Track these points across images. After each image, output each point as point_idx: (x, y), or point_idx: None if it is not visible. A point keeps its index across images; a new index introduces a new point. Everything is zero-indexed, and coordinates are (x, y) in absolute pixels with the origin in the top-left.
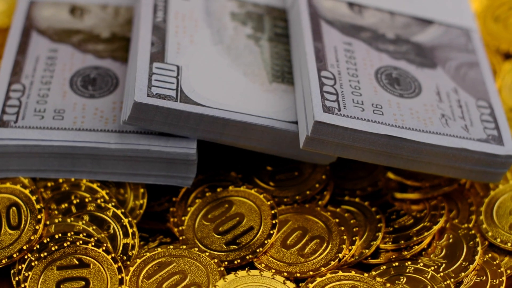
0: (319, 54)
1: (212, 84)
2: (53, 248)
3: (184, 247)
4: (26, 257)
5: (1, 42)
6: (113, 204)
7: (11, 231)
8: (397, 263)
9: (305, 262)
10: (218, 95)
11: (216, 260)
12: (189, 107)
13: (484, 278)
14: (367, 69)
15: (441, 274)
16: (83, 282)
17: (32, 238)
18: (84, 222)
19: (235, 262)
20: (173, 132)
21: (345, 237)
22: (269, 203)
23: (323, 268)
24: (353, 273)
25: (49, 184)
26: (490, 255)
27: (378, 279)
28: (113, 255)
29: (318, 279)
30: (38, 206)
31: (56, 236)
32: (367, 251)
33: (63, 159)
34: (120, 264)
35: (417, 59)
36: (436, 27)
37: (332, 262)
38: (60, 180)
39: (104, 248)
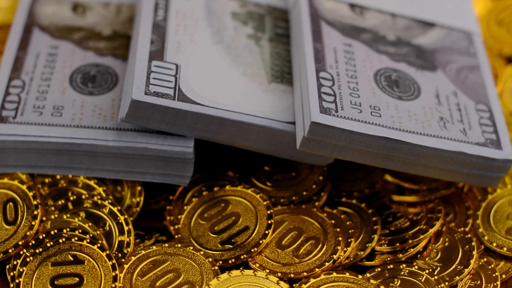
0: (318, 55)
1: (211, 83)
2: (48, 244)
3: (179, 245)
4: (21, 252)
5: (4, 38)
6: (109, 201)
7: (7, 226)
8: (391, 266)
9: (299, 263)
10: (216, 94)
11: (210, 259)
12: (186, 105)
13: (479, 282)
14: (367, 71)
15: (436, 277)
16: (77, 279)
17: (28, 233)
18: (80, 218)
19: (230, 261)
20: (170, 131)
21: (340, 238)
22: (265, 203)
23: (317, 269)
24: (347, 274)
25: (46, 180)
26: (485, 259)
27: (372, 281)
28: (107, 252)
29: (312, 280)
30: (34, 202)
31: (52, 232)
32: (362, 253)
33: (60, 156)
34: (114, 261)
35: (418, 61)
36: (438, 30)
37: (327, 264)
38: (58, 177)
39: (99, 245)
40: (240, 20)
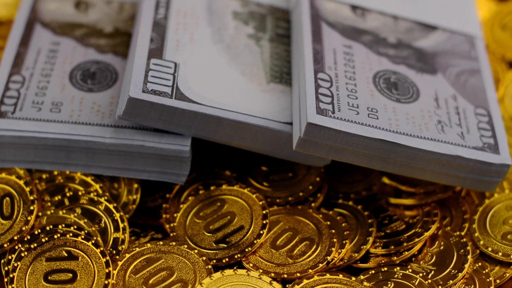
0: (318, 56)
1: (209, 82)
2: (43, 240)
3: (174, 243)
4: (16, 247)
5: (8, 34)
6: (105, 198)
7: (3, 221)
8: (385, 268)
9: (293, 264)
10: (214, 93)
11: (204, 258)
12: (183, 104)
13: (472, 287)
14: (366, 73)
15: (429, 281)
16: (71, 275)
17: (23, 228)
18: (76, 215)
19: (224, 260)
20: (167, 129)
21: (335, 240)
22: (261, 203)
23: (310, 270)
24: (340, 276)
25: (44, 176)
26: (480, 264)
27: (365, 283)
28: (101, 248)
29: (305, 281)
30: (31, 198)
31: (47, 228)
32: (356, 254)
33: (58, 152)
34: (108, 258)
35: (418, 64)
36: (440, 33)
37: (320, 265)
38: (55, 173)
39: (93, 241)
40: (241, 19)
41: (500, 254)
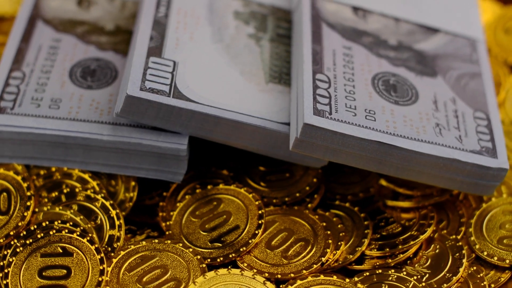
0: (317, 56)
1: (207, 81)
2: (39, 236)
3: (169, 241)
4: (12, 243)
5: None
6: (102, 195)
7: (0, 216)
8: (380, 271)
9: (287, 264)
10: (212, 92)
11: (199, 257)
12: (181, 103)
13: None
14: (365, 74)
15: (423, 284)
16: (65, 271)
17: (19, 224)
18: (72, 211)
19: (218, 260)
20: (164, 127)
21: (330, 241)
22: (257, 203)
23: (304, 271)
24: (334, 277)
25: (41, 172)
26: (474, 268)
27: (359, 285)
28: (96, 245)
29: (299, 282)
30: (28, 193)
31: (43, 224)
32: (351, 256)
33: (56, 148)
34: (102, 255)
35: (418, 67)
36: (441, 36)
37: (315, 266)
38: (53, 169)
39: (88, 238)
40: (242, 19)
41: (495, 258)
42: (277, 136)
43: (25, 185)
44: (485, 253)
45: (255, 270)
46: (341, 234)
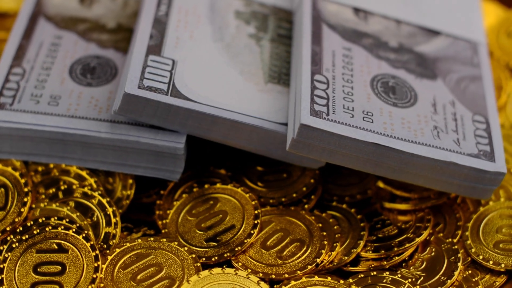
0: (316, 57)
1: (206, 80)
2: (35, 232)
3: (164, 240)
4: (8, 238)
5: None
6: (99, 192)
7: None
8: (375, 273)
9: (282, 265)
10: (210, 91)
11: (193, 256)
12: (178, 101)
13: None
14: (364, 76)
15: (418, 286)
16: (60, 267)
17: (16, 220)
18: (68, 208)
19: (213, 259)
20: (162, 126)
21: (325, 242)
22: (253, 203)
23: (299, 272)
24: (329, 279)
25: (39, 169)
26: (470, 271)
27: (353, 287)
28: (91, 242)
29: (293, 282)
30: (25, 189)
31: (40, 220)
32: (346, 258)
33: (54, 145)
34: (97, 252)
35: (418, 69)
36: (443, 38)
37: (309, 266)
38: (51, 165)
39: (84, 235)
40: (243, 19)
41: (491, 262)
42: (275, 136)
43: (22, 181)
44: (481, 257)
45: (249, 270)
46: (336, 236)
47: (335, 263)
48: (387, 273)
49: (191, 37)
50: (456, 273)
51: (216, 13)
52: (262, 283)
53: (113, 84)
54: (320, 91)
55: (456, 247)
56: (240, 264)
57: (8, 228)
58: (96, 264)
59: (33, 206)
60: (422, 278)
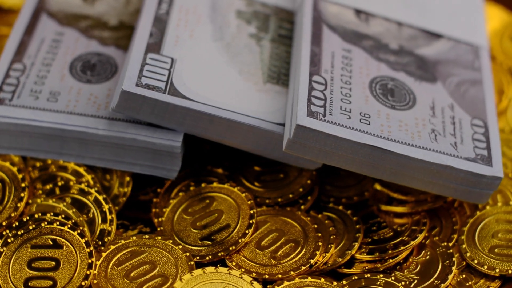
0: (315, 58)
1: (205, 79)
2: (30, 227)
3: (159, 238)
4: (4, 233)
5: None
6: (96, 189)
7: None
8: (369, 275)
9: (276, 265)
10: (208, 90)
11: (188, 254)
12: (176, 100)
13: None
14: (362, 78)
15: None
16: (54, 263)
17: (12, 215)
18: (65, 204)
19: (207, 258)
20: (159, 124)
21: (320, 243)
22: (249, 202)
23: (292, 272)
24: (322, 280)
25: (37, 164)
26: (464, 276)
27: None
28: (86, 239)
29: (286, 283)
30: (22, 185)
31: (36, 216)
32: (340, 259)
33: (52, 141)
34: (92, 248)
35: (418, 72)
36: (444, 41)
37: (303, 267)
38: (49, 161)
39: (79, 231)
40: (244, 18)
41: (485, 267)
42: (272, 136)
43: (20, 176)
44: (476, 261)
45: (243, 270)
46: (332, 237)
47: (329, 265)
48: (381, 275)
49: (191, 36)
50: (450, 277)
51: (217, 12)
52: (255, 283)
53: (113, 82)
54: (318, 92)
55: (451, 251)
56: (234, 263)
57: (4, 223)
58: (90, 261)
59: (30, 201)
60: (416, 281)
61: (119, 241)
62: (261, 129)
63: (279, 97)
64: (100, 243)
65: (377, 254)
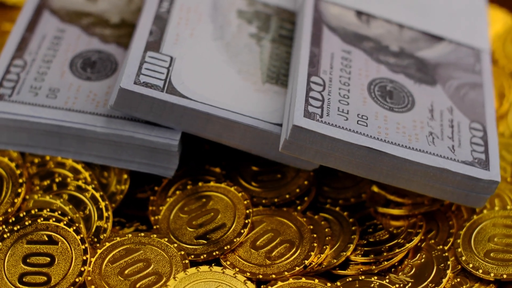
0: (314, 59)
1: (203, 78)
2: (26, 223)
3: (154, 236)
4: (0, 228)
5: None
6: (93, 186)
7: None
8: (363, 277)
9: (270, 265)
10: (206, 89)
11: (182, 253)
12: (173, 98)
13: None
14: (361, 79)
15: None
16: (49, 259)
17: (9, 210)
18: (61, 200)
19: (202, 256)
20: (157, 122)
21: (315, 244)
22: (245, 202)
23: (286, 273)
24: (316, 281)
25: (36, 160)
26: (458, 279)
27: None
28: (82, 235)
29: (279, 283)
30: (20, 180)
31: (33, 212)
32: (335, 261)
33: (50, 137)
34: (87, 245)
35: (417, 74)
36: (445, 44)
37: (297, 268)
38: (47, 158)
39: (74, 228)
40: (245, 18)
41: (480, 271)
42: (269, 136)
43: (18, 172)
44: (471, 265)
45: (237, 269)
46: (327, 238)
47: (324, 266)
48: (375, 277)
49: (191, 35)
50: (444, 280)
51: (218, 12)
52: (248, 282)
53: (112, 79)
54: (316, 93)
55: (446, 254)
56: (228, 263)
57: (0, 218)
58: (84, 257)
59: (27, 197)
60: (410, 284)
61: (115, 239)
62: (258, 129)
63: (277, 97)
64: (95, 240)
65: (372, 256)
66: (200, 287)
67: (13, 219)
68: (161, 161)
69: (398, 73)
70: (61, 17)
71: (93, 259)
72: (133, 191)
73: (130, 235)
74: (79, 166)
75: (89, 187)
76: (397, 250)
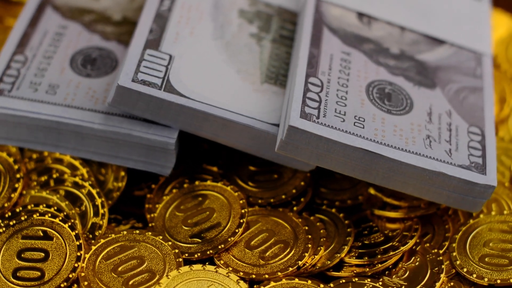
0: (313, 60)
1: (202, 77)
2: (22, 218)
3: (149, 233)
4: None
5: None
6: (90, 183)
7: None
8: (357, 279)
9: (264, 265)
10: (204, 88)
11: (176, 251)
12: (171, 96)
13: None
14: (360, 81)
15: None
16: (43, 254)
17: (5, 205)
18: (58, 196)
19: (196, 255)
20: (154, 120)
21: (309, 245)
22: (241, 201)
23: (279, 273)
24: (309, 282)
25: (34, 156)
26: (452, 283)
27: None
28: (76, 232)
29: (272, 283)
30: (17, 176)
31: (29, 207)
32: (329, 262)
33: (49, 133)
34: (82, 241)
35: (417, 77)
36: (447, 47)
37: (290, 269)
38: (45, 153)
39: (70, 224)
40: (246, 18)
41: (474, 276)
42: (266, 136)
43: (15, 167)
44: (465, 269)
45: (230, 268)
46: (322, 239)
47: (317, 267)
48: (369, 280)
49: (191, 34)
50: (438, 284)
51: (220, 11)
52: (241, 282)
53: (112, 76)
54: (313, 94)
55: (440, 258)
56: (222, 262)
57: None
58: (79, 253)
59: (24, 192)
60: (403, 287)
61: (109, 235)
62: (255, 129)
63: (275, 98)
64: (90, 236)
65: (366, 258)
66: (192, 286)
67: (10, 214)
68: (158, 159)
69: (398, 76)
70: (64, 13)
71: (87, 255)
72: (130, 188)
73: (124, 232)
74: (76, 163)
75: (86, 184)
76: (391, 253)
